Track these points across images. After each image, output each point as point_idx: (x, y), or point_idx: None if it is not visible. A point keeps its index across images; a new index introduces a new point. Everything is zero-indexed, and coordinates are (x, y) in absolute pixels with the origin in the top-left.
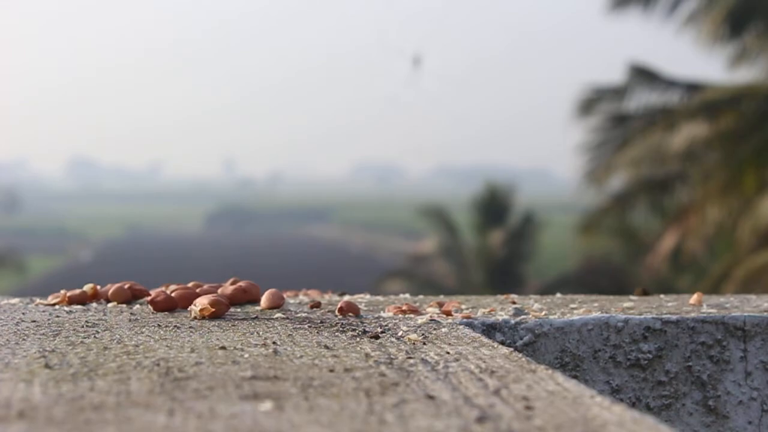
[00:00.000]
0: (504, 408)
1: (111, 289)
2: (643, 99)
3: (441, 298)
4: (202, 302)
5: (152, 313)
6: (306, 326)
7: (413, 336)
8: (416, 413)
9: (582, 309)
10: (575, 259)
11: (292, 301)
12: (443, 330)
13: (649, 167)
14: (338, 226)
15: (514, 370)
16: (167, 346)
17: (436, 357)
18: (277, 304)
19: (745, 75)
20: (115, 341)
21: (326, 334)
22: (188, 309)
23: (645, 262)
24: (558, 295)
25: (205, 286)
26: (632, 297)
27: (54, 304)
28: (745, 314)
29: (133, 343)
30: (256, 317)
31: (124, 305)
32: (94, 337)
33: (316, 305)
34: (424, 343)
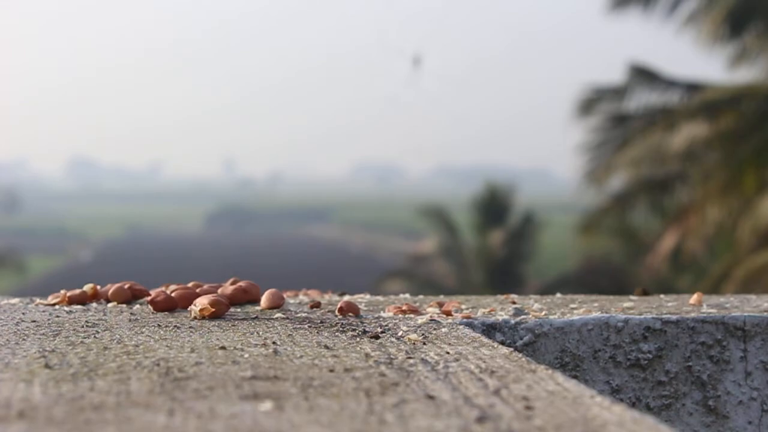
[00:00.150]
0: (504, 408)
1: (111, 289)
2: (643, 99)
3: (441, 298)
4: (202, 302)
5: (152, 313)
6: (306, 326)
7: (413, 336)
8: (416, 413)
9: (582, 309)
10: (575, 259)
11: (292, 301)
12: (443, 330)
13: (649, 167)
14: (338, 226)
15: (514, 370)
16: (167, 346)
17: (436, 357)
18: (277, 304)
19: (745, 75)
20: (115, 341)
21: (326, 334)
22: (188, 309)
23: (645, 262)
24: (558, 295)
25: (205, 286)
26: (632, 297)
27: (54, 304)
28: (745, 314)
29: (133, 343)
30: (256, 317)
31: (124, 305)
32: (94, 337)
33: (316, 305)
34: (424, 343)
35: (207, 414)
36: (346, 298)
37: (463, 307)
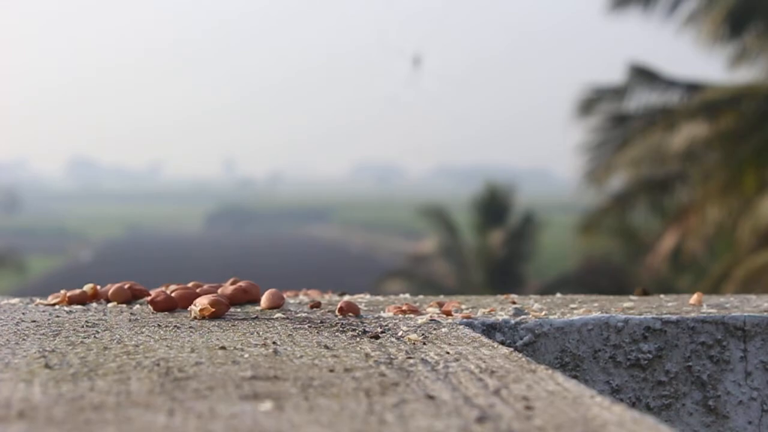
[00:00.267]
0: (504, 408)
1: (111, 289)
2: (643, 99)
3: (441, 298)
4: (202, 302)
5: (152, 313)
6: (306, 326)
7: (413, 336)
8: (416, 413)
9: (582, 309)
10: (575, 259)
11: (292, 301)
12: (443, 330)
13: (649, 167)
14: (338, 226)
15: (514, 370)
16: (167, 346)
17: (436, 357)
18: (277, 304)
19: (745, 75)
20: (115, 341)
21: (326, 334)
22: (188, 309)
23: (645, 262)
24: (558, 295)
25: (205, 286)
26: (632, 297)
27: (54, 304)
28: (745, 314)
29: (133, 343)
30: (256, 317)
31: (124, 305)
32: (94, 337)
33: (316, 305)
34: (424, 343)
35: (207, 414)
36: (346, 298)
37: (463, 307)
